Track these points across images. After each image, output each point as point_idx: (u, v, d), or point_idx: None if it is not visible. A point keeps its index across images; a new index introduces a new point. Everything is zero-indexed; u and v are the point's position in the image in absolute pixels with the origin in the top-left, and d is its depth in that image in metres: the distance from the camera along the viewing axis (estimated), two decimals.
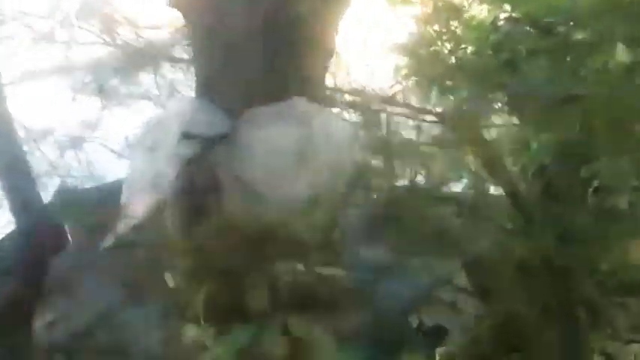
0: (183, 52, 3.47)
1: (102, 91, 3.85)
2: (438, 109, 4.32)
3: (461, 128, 3.14)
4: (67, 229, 3.24)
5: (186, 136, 1.88)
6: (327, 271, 1.90)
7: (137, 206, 1.85)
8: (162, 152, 1.90)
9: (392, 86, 4.06)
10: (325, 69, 2.16)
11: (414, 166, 3.39)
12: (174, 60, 3.59)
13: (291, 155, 1.80)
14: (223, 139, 1.90)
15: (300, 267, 1.82)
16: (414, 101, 4.02)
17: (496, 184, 4.13)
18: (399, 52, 4.01)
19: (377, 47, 3.93)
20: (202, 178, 1.87)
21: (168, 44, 3.62)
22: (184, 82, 3.63)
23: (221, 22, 2.03)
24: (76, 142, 3.67)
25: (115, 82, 3.76)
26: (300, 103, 1.96)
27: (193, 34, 2.16)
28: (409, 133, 4.17)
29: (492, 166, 3.67)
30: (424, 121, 4.01)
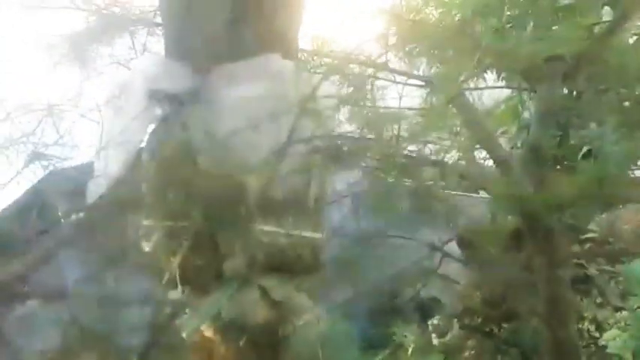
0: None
1: (80, 60, 3.76)
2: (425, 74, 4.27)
3: (442, 89, 3.09)
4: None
5: (154, 94, 1.82)
6: (303, 233, 1.85)
7: (109, 167, 1.80)
8: (131, 112, 1.83)
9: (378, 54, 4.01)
10: (298, 25, 2.09)
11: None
12: (151, 25, 3.50)
13: (263, 112, 1.74)
14: (192, 96, 1.83)
15: (276, 229, 1.78)
16: (398, 66, 3.97)
17: (484, 150, 4.11)
18: (383, 17, 3.94)
19: (360, 10, 3.85)
20: (173, 136, 1.81)
21: (145, 9, 3.53)
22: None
23: None
24: (53, 112, 3.58)
25: (92, 50, 3.66)
26: (272, 60, 1.89)
27: None
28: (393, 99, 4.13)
29: (479, 131, 3.64)
30: (409, 84, 3.96)
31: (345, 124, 2.60)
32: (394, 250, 4.45)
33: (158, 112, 1.83)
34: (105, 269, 1.47)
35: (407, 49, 4.00)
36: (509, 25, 3.86)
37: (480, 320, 5.96)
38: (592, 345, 5.29)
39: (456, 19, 4.38)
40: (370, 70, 3.79)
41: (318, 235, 1.95)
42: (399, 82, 3.97)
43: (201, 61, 1.89)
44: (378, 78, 3.86)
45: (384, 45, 4.10)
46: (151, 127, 1.85)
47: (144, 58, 2.26)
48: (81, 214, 1.70)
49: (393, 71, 3.89)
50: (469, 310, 6.06)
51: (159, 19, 3.58)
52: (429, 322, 6.41)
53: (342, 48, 3.98)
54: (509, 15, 3.94)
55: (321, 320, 2.14)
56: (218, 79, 1.85)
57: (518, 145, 5.90)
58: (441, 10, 4.58)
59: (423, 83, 4.06)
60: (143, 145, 1.84)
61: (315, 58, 3.67)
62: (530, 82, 4.23)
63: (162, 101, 1.83)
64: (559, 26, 3.65)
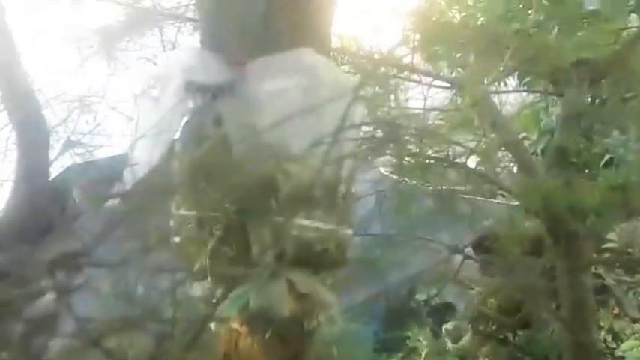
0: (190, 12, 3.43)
1: (109, 56, 3.81)
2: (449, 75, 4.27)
3: (469, 90, 3.11)
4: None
5: (190, 86, 1.85)
6: (333, 228, 1.87)
7: (144, 157, 1.83)
8: (167, 103, 1.86)
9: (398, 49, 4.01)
10: (331, 21, 2.11)
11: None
12: (182, 20, 3.54)
13: (298, 106, 1.75)
14: (227, 88, 1.86)
15: (306, 222, 1.79)
16: (422, 68, 3.98)
17: (507, 152, 4.09)
18: (408, 19, 3.96)
19: (386, 10, 3.87)
20: (208, 128, 1.84)
21: (175, 4, 3.57)
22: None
23: None
24: (84, 105, 3.64)
25: (121, 44, 3.72)
26: (307, 54, 1.91)
27: None
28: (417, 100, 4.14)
29: (505, 134, 3.63)
30: (434, 86, 3.98)
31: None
32: (413, 252, 4.45)
33: (193, 103, 1.86)
34: (139, 257, 1.50)
35: (430, 50, 4.01)
36: (533, 29, 3.86)
37: (494, 327, 5.94)
38: (608, 355, 5.25)
39: (479, 22, 4.39)
40: (395, 71, 3.81)
41: (346, 230, 1.97)
42: (424, 84, 3.99)
43: (235, 55, 1.91)
44: (403, 78, 3.88)
45: (409, 46, 4.10)
46: (186, 118, 1.87)
47: (180, 50, 2.29)
48: (116, 201, 1.73)
49: (418, 72, 3.90)
50: (484, 316, 6.04)
51: (189, 14, 3.63)
52: (444, 327, 6.40)
53: (368, 48, 4.00)
54: (533, 19, 3.94)
55: (338, 319, 2.15)
56: (252, 72, 1.87)
57: (539, 150, 5.88)
58: (464, 14, 4.59)
59: (448, 85, 4.07)
60: (177, 136, 1.86)
61: (342, 56, 3.70)
62: (556, 85, 4.21)
63: (197, 93, 1.85)
64: (586, 31, 3.64)
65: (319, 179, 1.72)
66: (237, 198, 1.73)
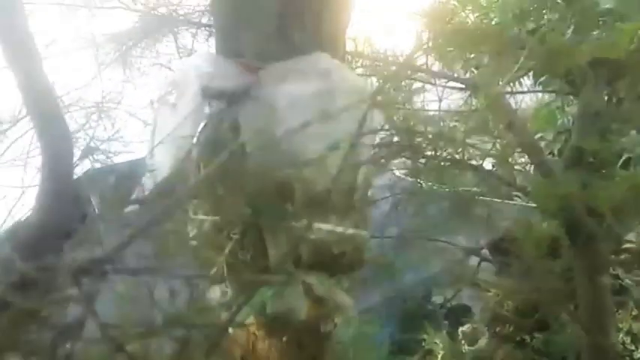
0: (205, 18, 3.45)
1: (125, 62, 3.86)
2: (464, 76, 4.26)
3: (485, 91, 3.09)
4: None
5: (207, 91, 1.86)
6: (349, 231, 1.87)
7: (162, 163, 1.84)
8: (184, 108, 1.88)
9: (414, 54, 4.00)
10: (346, 26, 2.12)
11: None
12: (197, 26, 3.57)
13: (314, 111, 1.76)
14: (244, 94, 1.87)
15: (323, 226, 1.80)
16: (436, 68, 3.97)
17: (523, 154, 4.06)
18: (420, 20, 3.95)
19: (399, 10, 3.87)
20: (225, 133, 1.85)
21: (190, 9, 3.59)
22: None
23: None
24: (101, 111, 3.68)
25: (137, 52, 3.76)
26: (322, 59, 1.92)
27: None
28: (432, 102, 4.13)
29: (521, 135, 3.61)
30: (447, 87, 3.97)
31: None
32: (429, 254, 4.44)
33: (210, 109, 1.87)
34: (159, 263, 1.51)
35: (444, 51, 4.00)
36: (548, 29, 3.82)
37: (511, 329, 5.89)
38: (627, 357, 5.19)
39: (493, 22, 4.36)
40: (409, 73, 3.80)
41: (363, 233, 1.97)
42: (439, 85, 3.97)
43: (251, 60, 1.93)
44: (418, 80, 3.87)
45: (422, 47, 4.09)
46: (203, 123, 1.89)
47: (195, 55, 2.31)
48: (135, 207, 1.75)
49: (432, 74, 3.89)
50: (501, 318, 5.99)
51: (204, 20, 3.67)
52: (460, 329, 6.36)
53: (382, 50, 3.99)
54: (548, 19, 3.91)
55: (354, 321, 2.15)
56: (268, 78, 1.88)
57: (555, 151, 5.83)
58: (478, 15, 4.56)
59: (463, 86, 4.06)
60: (195, 141, 1.88)
61: (356, 59, 3.70)
62: (573, 85, 4.18)
63: (213, 98, 1.86)
64: (604, 30, 3.61)
65: (336, 184, 1.72)
66: (254, 203, 1.74)
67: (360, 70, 3.68)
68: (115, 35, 3.68)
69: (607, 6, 3.69)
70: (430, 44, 3.78)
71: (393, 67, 3.50)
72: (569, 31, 3.65)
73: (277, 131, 1.78)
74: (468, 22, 4.48)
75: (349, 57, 3.62)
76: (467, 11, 4.55)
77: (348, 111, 1.84)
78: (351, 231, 1.87)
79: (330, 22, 2.02)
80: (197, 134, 1.86)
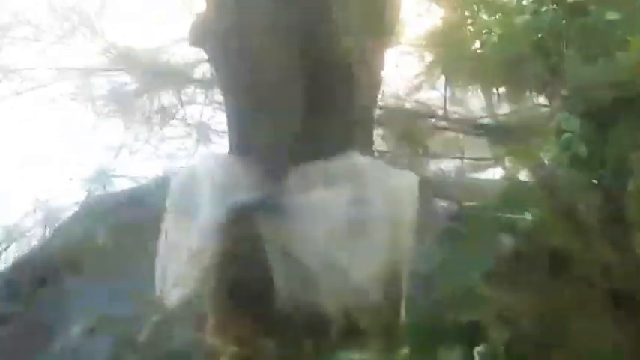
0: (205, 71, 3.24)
1: (124, 115, 3.64)
2: (481, 118, 4.03)
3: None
4: None
5: (221, 200, 1.62)
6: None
7: (172, 292, 1.60)
8: (197, 220, 1.64)
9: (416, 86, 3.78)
10: (373, 113, 1.89)
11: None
12: (195, 81, 3.35)
13: (350, 224, 1.53)
14: (267, 205, 1.63)
15: (360, 356, 1.56)
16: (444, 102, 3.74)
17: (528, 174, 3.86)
18: (424, 42, 3.76)
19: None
20: (245, 253, 1.61)
21: (190, 63, 3.37)
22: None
23: (252, 64, 1.74)
24: (102, 178, 3.46)
25: (138, 104, 3.54)
26: (353, 159, 1.68)
27: (220, 77, 1.88)
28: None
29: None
30: (468, 133, 3.77)
31: None
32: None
33: (228, 220, 1.63)
34: None
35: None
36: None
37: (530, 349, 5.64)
38: None
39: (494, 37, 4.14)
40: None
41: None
42: (458, 131, 3.76)
43: (274, 162, 1.69)
44: (437, 128, 3.66)
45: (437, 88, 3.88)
46: (219, 236, 1.64)
47: (208, 157, 2.07)
48: None
49: (451, 121, 3.68)
50: (518, 338, 5.74)
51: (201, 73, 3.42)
52: (475, 350, 6.10)
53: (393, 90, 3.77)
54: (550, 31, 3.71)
55: None
56: (293, 184, 1.64)
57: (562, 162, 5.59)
58: (476, 29, 4.31)
59: (482, 132, 3.83)
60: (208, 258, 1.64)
61: None
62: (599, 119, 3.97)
63: (233, 210, 1.63)
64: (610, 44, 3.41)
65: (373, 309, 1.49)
66: (281, 334, 1.51)
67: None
68: (115, 91, 3.46)
69: (611, 18, 3.51)
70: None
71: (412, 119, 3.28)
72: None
73: (308, 251, 1.55)
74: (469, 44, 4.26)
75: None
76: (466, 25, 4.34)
77: (386, 216, 1.61)
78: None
79: (359, 112, 1.79)
80: (213, 252, 1.63)
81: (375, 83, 1.89)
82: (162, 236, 1.72)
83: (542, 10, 3.71)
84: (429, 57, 3.74)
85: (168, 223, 1.71)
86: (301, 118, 1.71)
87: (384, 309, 1.55)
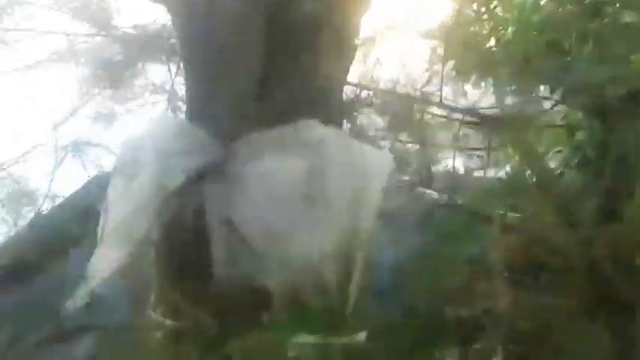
0: None
1: (113, 85, 3.55)
2: (480, 108, 3.91)
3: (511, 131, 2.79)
4: None
5: (170, 165, 1.52)
6: (340, 340, 1.51)
7: (107, 262, 1.50)
8: (142, 183, 1.54)
9: (426, 80, 3.69)
10: (342, 81, 1.76)
11: None
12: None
13: (297, 194, 1.42)
14: (213, 170, 1.52)
15: (307, 337, 1.45)
16: (450, 94, 3.66)
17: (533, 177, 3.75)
18: (433, 36, 3.69)
19: (409, 32, 3.54)
20: (187, 220, 1.51)
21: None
22: None
23: (213, 23, 1.62)
24: (79, 146, 3.38)
25: (125, 75, 3.45)
26: (310, 127, 1.56)
27: (181, 37, 1.76)
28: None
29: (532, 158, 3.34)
30: (463, 121, 3.66)
31: None
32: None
33: (173, 185, 1.53)
34: None
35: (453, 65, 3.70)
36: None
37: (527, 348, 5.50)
38: None
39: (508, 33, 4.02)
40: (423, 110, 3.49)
41: (357, 338, 1.61)
42: (455, 120, 3.64)
43: (227, 128, 1.57)
44: (433, 114, 3.55)
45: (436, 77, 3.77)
46: (165, 202, 1.54)
47: (162, 119, 1.97)
48: None
49: (447, 108, 3.56)
50: (514, 336, 5.61)
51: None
52: (472, 348, 5.98)
53: (392, 79, 3.67)
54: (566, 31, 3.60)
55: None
56: (245, 150, 1.53)
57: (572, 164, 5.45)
58: (493, 25, 4.20)
59: (478, 121, 3.71)
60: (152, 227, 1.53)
61: (362, 92, 3.37)
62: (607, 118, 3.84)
63: (178, 173, 1.52)
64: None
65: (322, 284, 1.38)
66: (218, 309, 1.41)
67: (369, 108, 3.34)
68: (104, 61, 3.37)
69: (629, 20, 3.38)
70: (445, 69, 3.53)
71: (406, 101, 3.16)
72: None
73: (250, 220, 1.44)
74: (483, 39, 4.16)
75: (357, 90, 3.28)
76: (481, 22, 4.23)
77: (343, 188, 1.49)
78: (343, 341, 1.52)
79: (324, 82, 1.66)
80: (155, 215, 1.52)
81: (346, 52, 1.77)
82: (105, 200, 1.61)
83: (559, 10, 3.60)
84: (439, 50, 3.66)
85: (113, 185, 1.61)
86: (259, 83, 1.60)
87: (329, 288, 1.42)
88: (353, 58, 1.78)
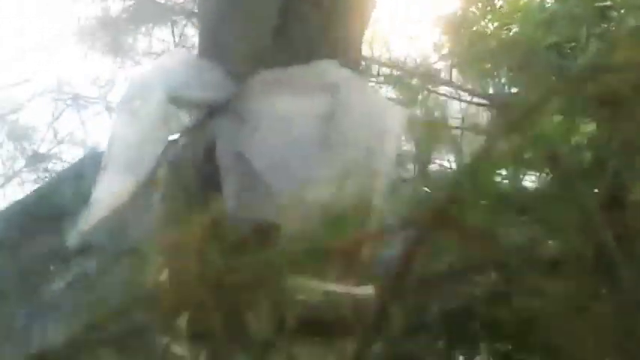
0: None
1: (117, 47, 3.48)
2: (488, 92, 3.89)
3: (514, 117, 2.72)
4: None
5: (177, 100, 1.44)
6: (351, 290, 1.44)
7: (112, 188, 1.43)
8: (147, 120, 1.46)
9: (434, 63, 3.66)
10: (363, 31, 1.69)
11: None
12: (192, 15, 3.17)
13: (311, 133, 1.34)
14: (225, 106, 1.45)
15: (317, 284, 1.38)
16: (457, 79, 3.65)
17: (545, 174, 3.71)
18: (440, 28, 3.70)
19: (420, 17, 3.50)
20: (196, 157, 1.43)
21: None
22: None
23: None
24: (77, 102, 3.30)
25: (129, 38, 3.38)
26: (327, 68, 1.49)
27: None
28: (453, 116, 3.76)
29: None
30: (469, 102, 3.63)
31: None
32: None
33: (180, 122, 1.45)
34: None
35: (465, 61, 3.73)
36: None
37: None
38: None
39: (512, 33, 4.02)
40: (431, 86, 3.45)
41: (366, 291, 1.54)
42: (462, 100, 3.59)
43: (240, 64, 1.50)
44: (439, 94, 3.50)
45: (445, 59, 3.76)
46: (170, 141, 1.47)
47: (171, 53, 1.89)
48: None
49: (455, 87, 3.52)
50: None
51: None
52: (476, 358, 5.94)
53: (401, 56, 3.65)
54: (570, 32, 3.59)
55: None
56: (259, 88, 1.46)
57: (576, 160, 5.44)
58: (497, 24, 4.21)
59: (486, 102, 3.67)
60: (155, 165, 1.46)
61: (373, 66, 3.32)
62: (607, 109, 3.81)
63: (186, 109, 1.45)
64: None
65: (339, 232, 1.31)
66: (227, 251, 1.33)
67: (376, 80, 3.28)
68: (107, 21, 3.29)
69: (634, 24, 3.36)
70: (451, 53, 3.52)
71: (415, 78, 3.10)
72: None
73: (262, 157, 1.36)
74: (487, 32, 4.16)
75: (364, 63, 3.23)
76: (486, 21, 4.24)
77: (359, 134, 1.42)
78: (351, 290, 1.45)
79: (344, 22, 1.59)
80: (161, 153, 1.45)
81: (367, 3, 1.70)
82: (110, 138, 1.54)
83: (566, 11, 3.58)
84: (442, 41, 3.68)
85: (116, 124, 1.53)
86: (275, 19, 1.52)
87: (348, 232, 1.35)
88: (374, 7, 1.71)
